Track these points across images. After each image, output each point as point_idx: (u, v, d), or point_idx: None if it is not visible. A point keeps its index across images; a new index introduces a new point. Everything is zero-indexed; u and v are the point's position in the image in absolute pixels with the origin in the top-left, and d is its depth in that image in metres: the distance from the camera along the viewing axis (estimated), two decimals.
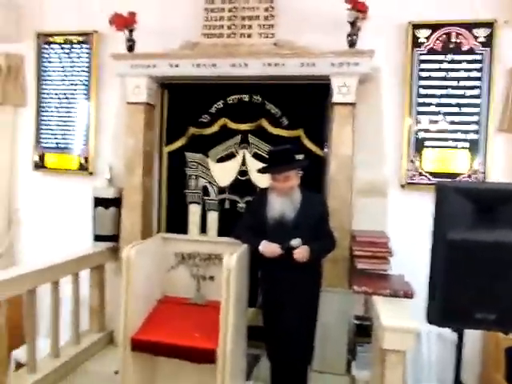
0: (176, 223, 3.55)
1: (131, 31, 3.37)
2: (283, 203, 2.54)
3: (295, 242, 2.45)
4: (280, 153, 2.60)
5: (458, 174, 3.07)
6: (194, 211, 3.54)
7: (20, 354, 3.23)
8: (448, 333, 2.10)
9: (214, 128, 3.46)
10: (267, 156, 2.79)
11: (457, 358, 1.98)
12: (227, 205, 3.48)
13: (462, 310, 1.81)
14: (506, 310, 1.74)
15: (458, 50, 3.06)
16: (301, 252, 2.44)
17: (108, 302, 3.50)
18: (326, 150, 3.25)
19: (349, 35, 3.01)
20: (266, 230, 2.57)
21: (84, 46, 3.82)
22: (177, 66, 3.32)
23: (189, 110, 3.51)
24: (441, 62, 3.10)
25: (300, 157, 3.22)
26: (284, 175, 2.49)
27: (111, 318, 3.47)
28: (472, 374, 3.00)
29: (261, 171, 2.72)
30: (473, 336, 2.89)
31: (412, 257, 2.78)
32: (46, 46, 3.91)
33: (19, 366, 3.18)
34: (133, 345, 2.46)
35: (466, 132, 3.06)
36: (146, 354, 2.52)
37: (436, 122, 3.11)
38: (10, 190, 4.04)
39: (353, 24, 2.97)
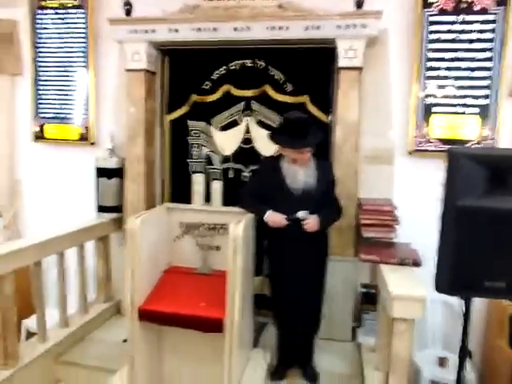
0: (180, 193, 3.52)
1: None
2: (306, 174, 2.48)
3: (302, 213, 2.42)
4: (300, 124, 2.43)
5: (467, 141, 2.99)
6: (198, 181, 3.48)
7: (31, 323, 3.27)
8: (453, 300, 2.10)
9: (217, 95, 3.38)
10: (282, 124, 2.57)
11: (464, 326, 1.99)
12: (231, 174, 3.44)
13: (471, 279, 1.80)
14: None
15: (469, 9, 2.92)
16: (311, 223, 2.42)
17: (114, 272, 3.52)
18: (331, 116, 3.17)
19: None
20: (274, 198, 2.53)
21: (79, 10, 3.66)
22: (176, 30, 3.21)
23: (190, 77, 3.41)
24: (452, 23, 2.95)
25: None
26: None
27: (117, 287, 3.50)
28: (475, 341, 3.03)
29: (280, 143, 2.52)
30: (477, 303, 2.90)
31: (419, 225, 2.77)
32: (40, 11, 3.76)
33: (30, 334, 3.23)
34: (140, 315, 2.47)
35: (476, 97, 2.96)
36: (153, 324, 2.54)
37: (445, 86, 3.01)
38: (10, 161, 3.99)
39: None
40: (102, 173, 3.47)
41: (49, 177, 3.91)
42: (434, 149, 3.03)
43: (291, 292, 2.57)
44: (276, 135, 2.54)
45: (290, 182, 2.49)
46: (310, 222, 2.42)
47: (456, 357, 2.00)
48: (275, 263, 2.69)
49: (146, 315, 2.48)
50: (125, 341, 2.70)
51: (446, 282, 1.84)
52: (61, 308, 3.03)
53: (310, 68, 3.18)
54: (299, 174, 2.48)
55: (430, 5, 2.97)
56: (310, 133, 2.41)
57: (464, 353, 1.99)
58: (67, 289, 3.08)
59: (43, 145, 3.90)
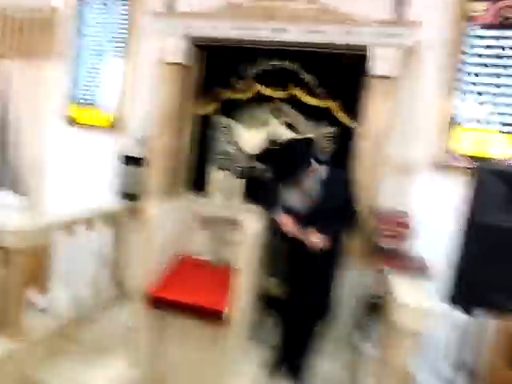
0: (202, 187, 3.54)
1: None
2: (295, 196, 2.49)
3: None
4: (286, 158, 2.42)
5: (495, 159, 2.89)
6: (220, 177, 3.51)
7: (41, 301, 3.33)
8: (459, 314, 2.06)
9: (248, 94, 3.40)
10: (272, 155, 2.70)
11: (470, 343, 1.94)
12: (254, 173, 3.44)
13: (485, 295, 1.77)
14: None
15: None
16: (314, 242, 2.38)
17: (127, 259, 3.55)
18: (356, 124, 3.13)
19: (396, 4, 2.85)
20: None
21: (122, 1, 3.78)
22: (215, 27, 3.25)
23: (224, 74, 3.45)
24: (493, 38, 2.86)
25: (331, 129, 3.16)
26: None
27: (129, 273, 3.53)
28: (483, 359, 2.90)
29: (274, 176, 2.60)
30: (485, 319, 2.80)
31: (435, 239, 2.70)
32: (85, 0, 3.89)
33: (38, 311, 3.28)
34: (148, 301, 2.49)
35: (511, 115, 2.87)
36: (159, 311, 2.56)
37: (479, 103, 2.93)
38: (41, 143, 4.10)
39: None
40: (128, 160, 3.53)
41: (77, 160, 4.00)
42: (459, 165, 2.93)
43: (300, 293, 2.55)
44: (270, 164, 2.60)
45: (291, 203, 2.49)
46: (313, 241, 2.38)
47: (460, 373, 1.94)
48: (288, 263, 2.67)
49: (154, 301, 2.50)
50: (130, 326, 2.73)
51: (459, 295, 1.81)
52: (71, 288, 3.07)
53: (342, 74, 3.16)
54: (296, 195, 2.48)
55: (471, 18, 2.91)
56: (295, 161, 2.37)
57: (470, 370, 1.94)
58: (80, 270, 3.13)
59: (75, 129, 4.00)
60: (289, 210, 2.50)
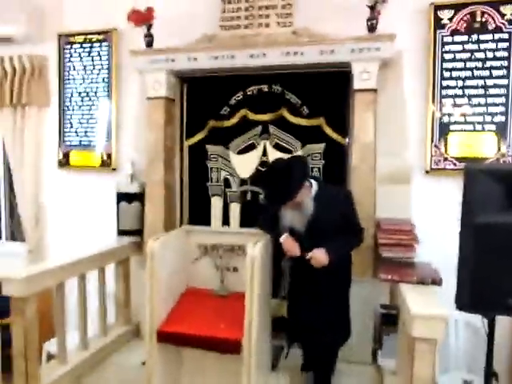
0: (198, 216, 3.56)
1: (150, 26, 3.39)
2: (293, 216, 2.47)
3: (310, 254, 2.40)
4: (276, 177, 2.35)
5: (484, 159, 2.96)
6: (216, 204, 3.54)
7: (51, 346, 3.31)
8: (476, 320, 2.05)
9: (234, 120, 3.45)
10: (263, 179, 2.65)
11: (488, 347, 1.93)
12: (249, 196, 3.47)
13: (492, 296, 1.76)
14: None
15: (483, 29, 2.95)
16: (317, 258, 2.37)
17: (133, 295, 3.54)
18: (348, 138, 3.20)
19: (368, 20, 2.94)
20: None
21: (104, 44, 3.86)
22: (195, 59, 3.32)
23: (208, 103, 3.51)
24: (465, 42, 2.99)
25: (321, 146, 3.21)
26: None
27: (137, 310, 3.51)
28: (501, 362, 2.90)
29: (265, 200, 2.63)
30: (502, 321, 2.80)
31: (439, 244, 2.74)
32: (68, 46, 3.97)
33: (50, 357, 3.26)
34: (158, 336, 2.48)
35: (493, 114, 2.95)
36: (171, 346, 2.54)
37: (461, 105, 3.02)
38: (36, 188, 4.13)
39: (372, 8, 2.91)
40: (123, 197, 3.55)
41: (72, 202, 4.03)
42: (451, 167, 3.01)
43: (305, 315, 2.55)
44: (262, 189, 2.63)
45: (290, 224, 2.50)
46: (316, 257, 2.37)
47: (481, 379, 1.93)
48: (291, 284, 2.68)
49: (165, 337, 2.49)
50: (143, 363, 2.70)
51: (467, 300, 1.80)
52: (81, 331, 3.05)
53: (326, 91, 3.23)
54: (287, 214, 2.48)
55: (442, 26, 3.02)
56: (289, 192, 2.30)
57: (489, 375, 1.93)
58: (87, 312, 3.11)
59: (67, 171, 4.04)
60: (291, 231, 2.51)
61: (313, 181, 2.54)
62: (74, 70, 3.96)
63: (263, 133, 3.40)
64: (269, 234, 2.65)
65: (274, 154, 3.35)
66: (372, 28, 2.96)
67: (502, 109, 2.93)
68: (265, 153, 3.41)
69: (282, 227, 2.53)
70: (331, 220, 2.42)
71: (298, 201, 2.36)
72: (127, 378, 2.88)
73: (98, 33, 3.87)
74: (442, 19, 3.02)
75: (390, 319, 2.77)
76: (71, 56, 3.97)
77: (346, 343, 2.68)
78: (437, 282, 2.31)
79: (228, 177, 3.53)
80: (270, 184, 2.39)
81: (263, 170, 3.32)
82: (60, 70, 4.00)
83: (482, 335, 1.99)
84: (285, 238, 2.48)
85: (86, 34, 3.90)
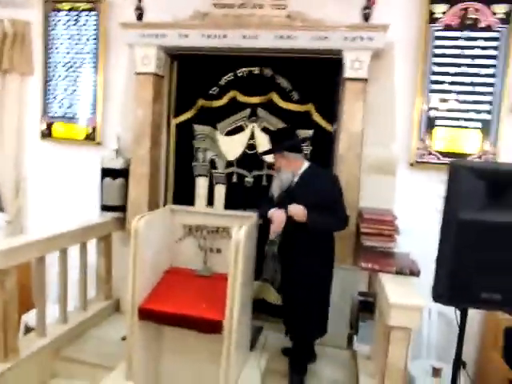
0: (183, 195, 3.56)
1: None
2: (275, 187, 2.62)
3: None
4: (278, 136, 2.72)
5: (468, 155, 3.03)
6: (202, 184, 3.54)
7: (30, 318, 3.30)
8: (448, 310, 2.13)
9: (223, 100, 3.43)
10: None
11: (459, 337, 2.01)
12: (235, 178, 3.48)
13: (468, 290, 1.83)
14: None
15: (474, 26, 2.98)
16: (295, 208, 2.43)
17: (115, 271, 3.55)
18: (335, 126, 3.22)
19: (363, 8, 2.94)
20: None
21: (92, 13, 3.74)
22: (186, 36, 3.26)
23: (198, 82, 3.47)
24: (456, 38, 3.01)
25: (309, 132, 3.23)
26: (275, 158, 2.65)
27: (118, 286, 3.53)
28: (470, 352, 3.05)
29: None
30: (473, 314, 2.92)
31: (418, 235, 2.81)
32: (53, 13, 3.83)
33: (28, 329, 3.25)
34: (140, 314, 2.50)
35: (479, 112, 3.01)
36: (152, 323, 2.57)
37: (448, 100, 3.07)
38: (17, 158, 4.04)
39: None
40: (107, 173, 3.51)
41: (54, 175, 3.96)
42: (435, 161, 3.08)
43: (290, 297, 2.63)
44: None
45: (271, 194, 2.64)
46: (295, 207, 2.43)
47: (450, 367, 2.02)
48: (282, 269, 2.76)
49: (146, 314, 2.51)
50: (123, 339, 2.74)
51: (444, 292, 1.86)
52: (61, 304, 3.06)
53: (317, 78, 3.23)
54: (276, 187, 2.62)
55: (435, 20, 3.03)
56: (275, 147, 2.64)
57: (458, 364, 2.02)
58: (67, 286, 3.11)
59: (50, 143, 3.96)
60: (270, 200, 2.63)
61: (306, 161, 2.64)
62: (59, 38, 3.84)
63: (252, 115, 3.39)
64: (260, 211, 2.67)
65: (261, 137, 3.36)
66: (366, 17, 2.97)
67: (487, 107, 2.99)
68: (252, 136, 3.41)
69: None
70: (308, 198, 2.46)
71: (278, 166, 2.61)
72: (107, 351, 2.92)
73: (87, 1, 3.73)
74: (435, 13, 3.03)
75: (367, 306, 2.86)
76: (56, 24, 3.83)
77: (320, 338, 2.78)
78: (415, 273, 2.38)
79: (214, 158, 3.52)
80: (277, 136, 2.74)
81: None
82: (44, 38, 3.86)
83: (454, 326, 2.07)
84: (273, 211, 2.50)
85: (74, 1, 3.77)
